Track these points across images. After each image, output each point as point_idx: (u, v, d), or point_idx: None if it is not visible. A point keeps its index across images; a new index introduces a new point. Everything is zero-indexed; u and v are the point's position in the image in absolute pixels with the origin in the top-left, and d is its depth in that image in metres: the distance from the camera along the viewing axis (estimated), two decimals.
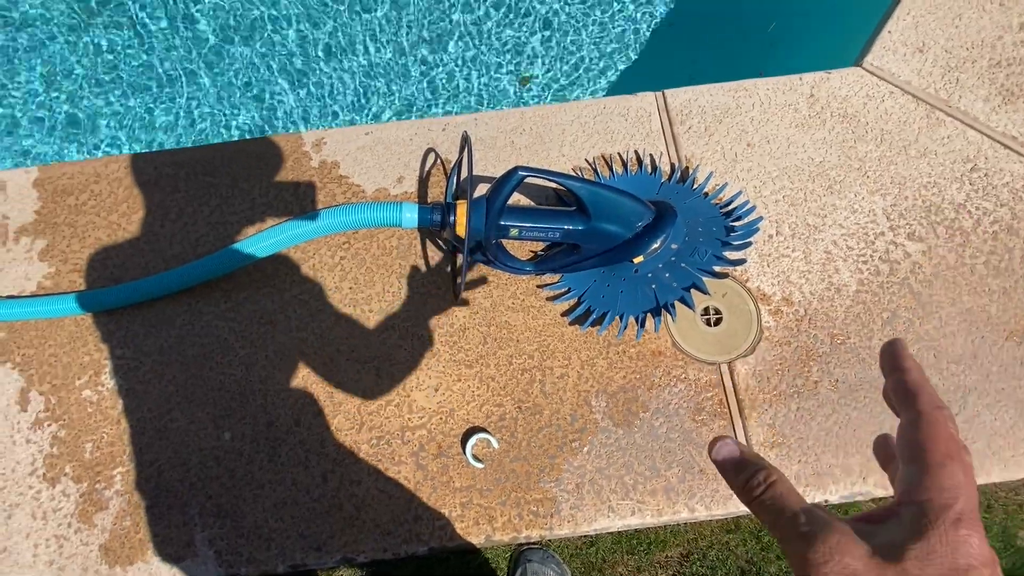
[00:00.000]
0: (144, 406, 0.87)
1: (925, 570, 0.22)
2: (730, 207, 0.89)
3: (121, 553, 0.81)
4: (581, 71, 1.76)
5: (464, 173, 0.94)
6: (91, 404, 0.87)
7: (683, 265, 0.80)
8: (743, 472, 0.28)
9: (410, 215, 0.81)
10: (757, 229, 0.86)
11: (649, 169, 0.95)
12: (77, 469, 0.85)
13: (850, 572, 0.23)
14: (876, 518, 0.26)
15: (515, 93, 1.82)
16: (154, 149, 1.69)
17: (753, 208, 0.89)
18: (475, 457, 0.83)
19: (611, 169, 0.95)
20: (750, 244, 0.86)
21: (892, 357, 0.30)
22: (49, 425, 0.87)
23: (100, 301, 0.89)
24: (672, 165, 0.96)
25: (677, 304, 0.80)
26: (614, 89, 1.73)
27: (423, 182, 0.97)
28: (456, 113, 1.66)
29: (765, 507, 0.27)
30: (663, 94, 1.02)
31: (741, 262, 0.86)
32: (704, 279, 0.80)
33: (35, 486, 0.85)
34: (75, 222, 0.97)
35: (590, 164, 0.97)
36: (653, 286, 0.82)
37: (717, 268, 0.81)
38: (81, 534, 0.82)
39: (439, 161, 0.98)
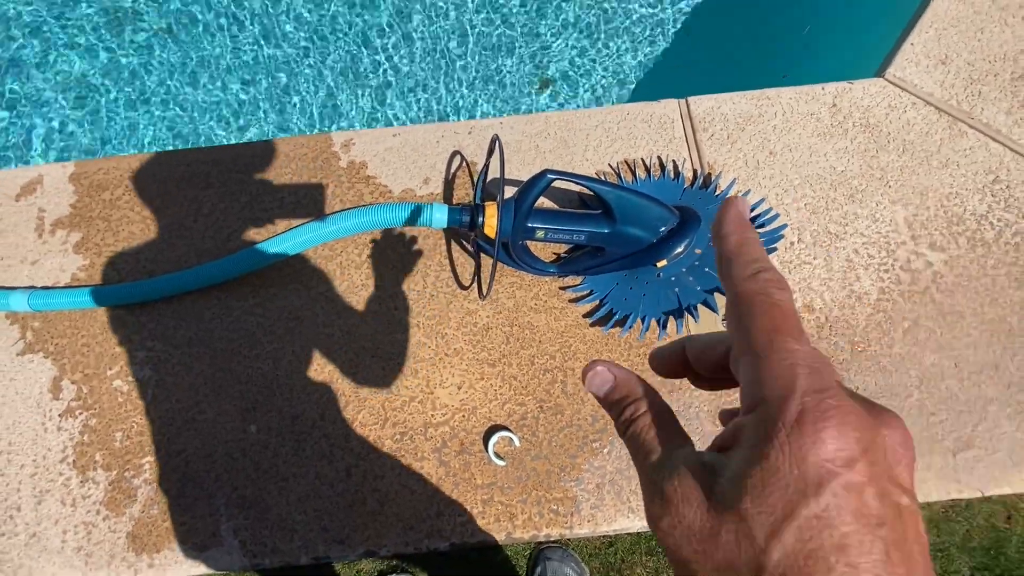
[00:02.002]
0: (173, 397, 0.89)
1: (764, 509, 0.17)
2: (753, 214, 0.90)
3: (148, 541, 0.83)
4: (602, 77, 1.78)
5: (493, 175, 0.95)
6: (121, 394, 0.89)
7: (706, 270, 0.81)
8: (613, 408, 0.25)
9: (440, 215, 0.83)
10: (781, 236, 0.87)
11: (672, 175, 0.97)
12: (107, 457, 0.87)
13: (686, 529, 0.18)
14: (728, 440, 0.20)
15: (534, 97, 1.84)
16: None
17: (777, 215, 0.90)
18: (497, 455, 0.84)
19: (634, 174, 0.97)
20: (774, 250, 0.86)
21: (716, 223, 0.24)
22: (80, 413, 0.89)
23: (133, 293, 0.92)
24: (695, 171, 0.98)
25: (700, 307, 0.81)
26: (637, 96, 1.75)
27: (449, 184, 0.99)
28: (481, 117, 1.68)
29: (629, 446, 0.23)
30: (686, 101, 1.03)
31: None
32: None
33: (65, 473, 0.86)
34: (109, 216, 0.99)
35: (613, 169, 0.98)
36: (676, 289, 0.83)
37: None
38: (109, 521, 0.84)
39: (465, 163, 1.00)
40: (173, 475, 0.85)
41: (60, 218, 1.00)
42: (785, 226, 0.88)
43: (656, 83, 1.69)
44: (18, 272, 0.96)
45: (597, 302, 0.89)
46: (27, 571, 0.83)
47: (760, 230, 0.87)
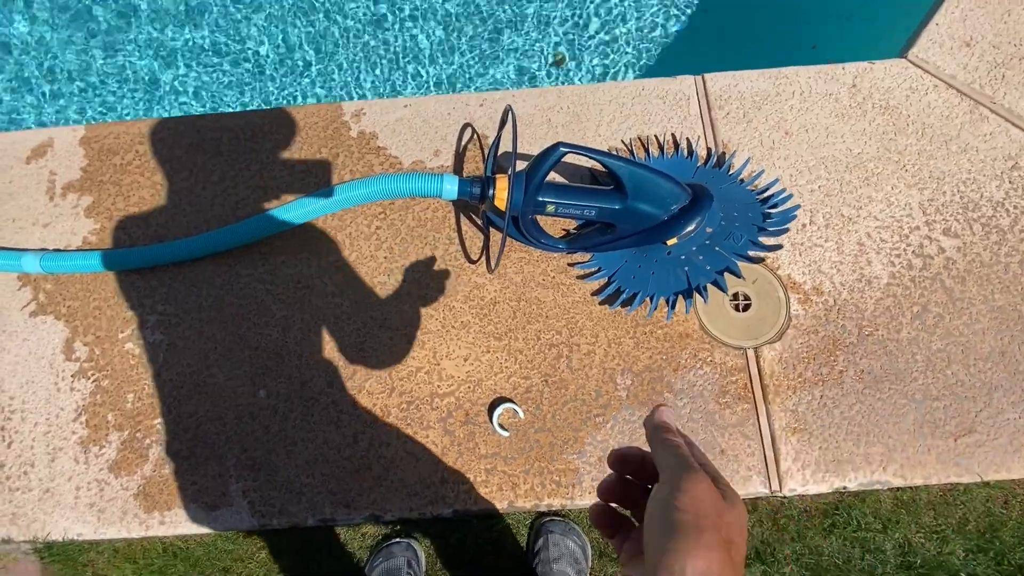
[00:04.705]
0: (184, 361, 0.90)
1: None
2: (766, 194, 0.89)
3: (159, 499, 0.85)
4: (618, 50, 1.73)
5: (505, 147, 0.95)
6: (133, 356, 0.91)
7: (717, 249, 0.81)
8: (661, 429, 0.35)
9: (450, 186, 0.82)
10: (794, 216, 0.86)
11: (686, 153, 0.96)
12: (119, 418, 0.88)
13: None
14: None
15: (547, 72, 1.81)
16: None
17: (790, 196, 0.89)
18: (501, 426, 0.85)
19: (647, 151, 0.96)
20: (786, 231, 0.86)
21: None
22: (92, 375, 0.90)
23: (144, 258, 0.92)
24: (709, 150, 0.96)
25: (709, 287, 0.81)
26: (651, 71, 1.71)
27: (459, 156, 0.99)
28: (492, 89, 1.65)
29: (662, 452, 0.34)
30: (703, 78, 1.01)
31: (777, 248, 0.86)
32: (738, 263, 0.80)
33: (78, 432, 0.88)
34: (120, 181, 0.99)
35: (626, 145, 0.97)
36: (686, 268, 0.83)
37: (752, 253, 0.82)
38: (121, 479, 0.86)
39: (475, 136, 0.99)
40: (184, 436, 0.87)
41: (71, 181, 1.00)
42: (798, 207, 0.87)
43: (674, 57, 1.64)
44: (30, 234, 0.97)
45: (605, 279, 0.89)
46: (41, 524, 0.86)
47: (773, 210, 0.87)
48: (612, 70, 1.76)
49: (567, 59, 1.82)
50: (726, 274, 0.80)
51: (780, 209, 0.87)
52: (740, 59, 1.09)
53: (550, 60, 1.84)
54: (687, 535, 0.28)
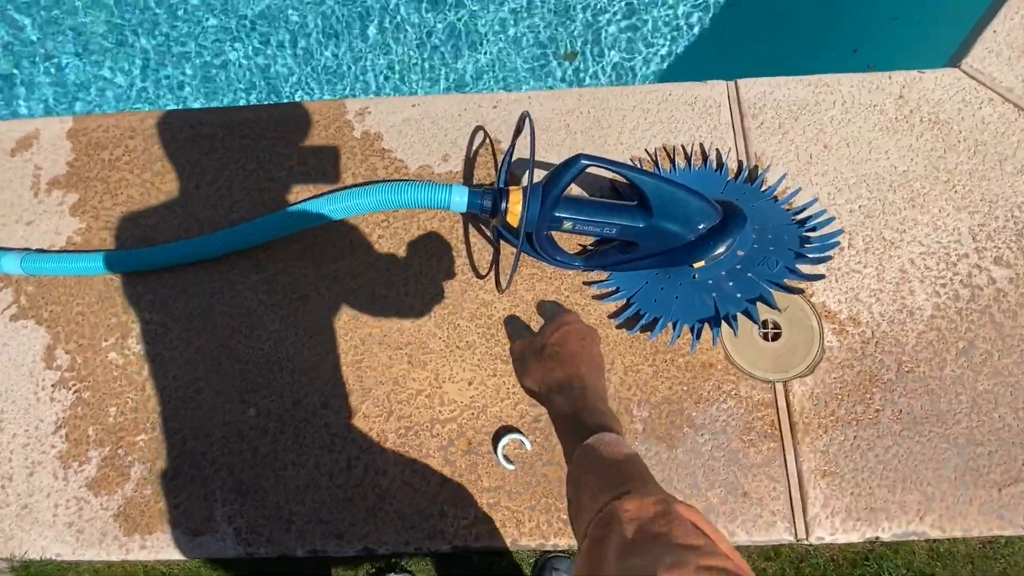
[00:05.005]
0: (170, 374, 0.85)
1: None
2: (803, 214, 0.82)
3: (140, 521, 0.80)
4: (642, 50, 1.64)
5: (520, 155, 0.88)
6: (117, 367, 0.85)
7: (749, 275, 0.74)
8: None
9: (459, 198, 0.76)
10: (837, 243, 0.79)
11: (715, 165, 0.88)
12: (100, 433, 0.83)
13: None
14: None
15: (560, 69, 1.73)
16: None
17: (831, 219, 0.82)
18: (506, 457, 0.79)
19: (673, 162, 0.88)
20: (828, 258, 0.79)
21: None
22: (74, 385, 0.85)
23: (130, 262, 0.86)
24: (740, 162, 0.89)
25: (739, 317, 0.74)
26: (676, 73, 1.62)
27: (469, 162, 0.92)
28: (508, 91, 1.57)
29: None
30: (735, 84, 0.93)
31: (818, 277, 0.79)
32: (772, 292, 0.73)
33: (58, 446, 0.83)
34: (108, 177, 0.93)
35: (650, 155, 0.90)
36: (713, 294, 0.76)
37: (789, 281, 0.75)
38: (101, 498, 0.81)
39: (488, 140, 0.92)
40: (168, 455, 0.82)
41: (57, 177, 0.94)
42: (840, 231, 0.80)
43: (700, 56, 1.53)
44: (12, 232, 0.92)
45: (624, 301, 0.82)
46: (18, 542, 0.81)
47: (811, 234, 0.79)
48: (630, 68, 1.66)
49: (579, 56, 1.74)
50: (758, 303, 0.73)
51: (820, 233, 0.79)
52: (773, 61, 1.01)
53: (561, 55, 1.75)
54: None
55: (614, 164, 0.70)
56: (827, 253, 0.78)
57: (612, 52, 1.70)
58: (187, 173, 0.93)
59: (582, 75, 1.69)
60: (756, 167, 0.88)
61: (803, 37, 1.46)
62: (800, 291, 0.77)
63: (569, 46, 1.74)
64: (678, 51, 1.59)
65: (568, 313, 0.50)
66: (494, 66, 1.69)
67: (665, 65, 1.61)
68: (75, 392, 0.85)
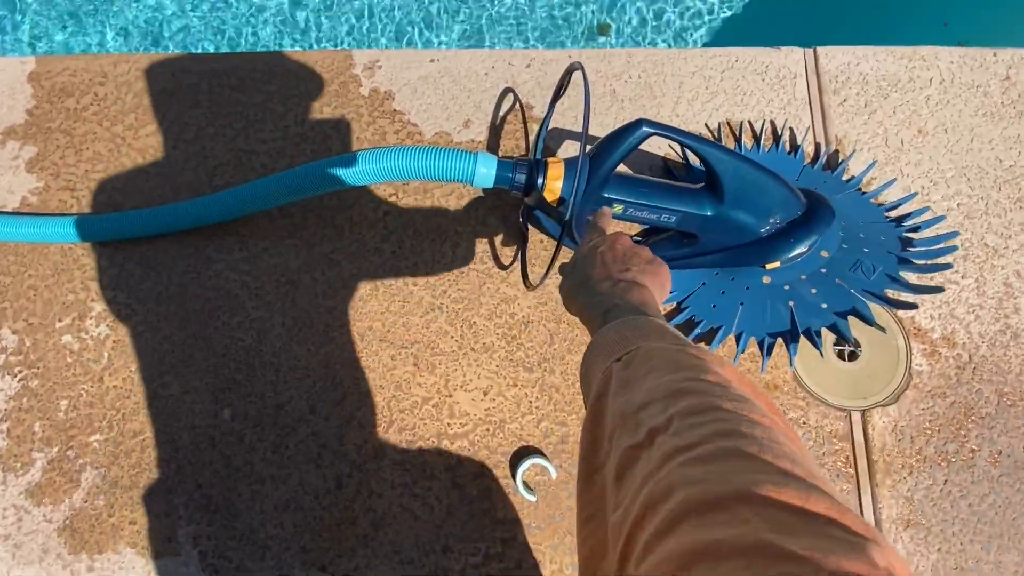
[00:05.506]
0: (132, 364, 0.72)
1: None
2: (899, 210, 0.68)
3: (89, 538, 0.67)
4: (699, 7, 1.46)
5: (557, 124, 0.73)
6: (71, 353, 0.72)
7: (838, 281, 0.60)
8: None
9: (485, 170, 0.62)
10: (954, 248, 0.65)
11: (788, 147, 0.74)
12: (48, 429, 0.70)
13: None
14: None
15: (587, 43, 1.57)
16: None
17: (941, 217, 0.67)
18: (526, 484, 0.66)
19: (739, 141, 0.74)
20: (948, 266, 0.64)
21: None
22: (20, 372, 0.72)
23: (93, 230, 0.73)
24: (817, 145, 0.75)
25: (823, 332, 0.61)
26: (730, 38, 1.43)
27: (495, 130, 0.78)
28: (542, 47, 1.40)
29: None
30: (814, 52, 0.79)
31: (936, 290, 0.64)
32: (869, 304, 0.60)
33: None
34: (72, 130, 0.80)
35: (711, 131, 0.76)
36: (790, 303, 0.62)
37: (892, 294, 0.61)
38: (45, 508, 0.68)
39: (519, 105, 0.78)
40: (125, 461, 0.69)
41: (13, 126, 0.80)
42: (956, 233, 0.66)
43: (768, 20, 1.34)
44: None
45: (675, 305, 0.68)
46: None
47: (914, 235, 0.65)
48: (680, 30, 1.48)
49: (611, 28, 1.58)
50: (851, 317, 0.60)
51: (926, 235, 0.65)
52: (852, 30, 0.86)
53: (595, 27, 1.59)
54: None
55: (685, 135, 0.56)
56: (939, 260, 0.64)
57: (652, 18, 1.52)
58: (165, 128, 0.79)
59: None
60: (836, 152, 0.74)
61: (888, 2, 1.30)
62: (912, 306, 0.63)
63: (604, 18, 1.58)
64: (737, 11, 1.41)
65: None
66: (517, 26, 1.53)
67: (724, 27, 1.42)
68: (21, 380, 0.72)
